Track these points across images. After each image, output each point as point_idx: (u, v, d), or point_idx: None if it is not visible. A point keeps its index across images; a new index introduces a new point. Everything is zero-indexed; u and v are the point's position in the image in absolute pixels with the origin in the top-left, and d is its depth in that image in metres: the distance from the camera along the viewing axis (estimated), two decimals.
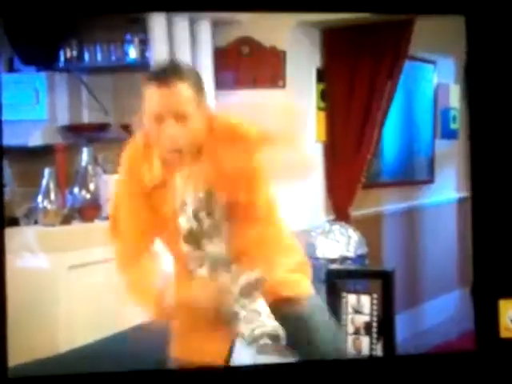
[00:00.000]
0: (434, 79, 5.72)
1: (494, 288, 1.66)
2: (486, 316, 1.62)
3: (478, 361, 1.64)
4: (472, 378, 1.65)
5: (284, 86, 4.23)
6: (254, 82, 4.16)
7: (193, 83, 2.12)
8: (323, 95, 4.44)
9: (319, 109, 4.43)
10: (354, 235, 3.72)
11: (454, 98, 6.00)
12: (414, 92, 5.53)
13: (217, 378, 1.79)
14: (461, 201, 6.23)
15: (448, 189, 6.06)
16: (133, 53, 3.96)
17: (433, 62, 5.66)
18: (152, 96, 2.08)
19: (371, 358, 1.89)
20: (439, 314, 5.53)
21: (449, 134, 5.97)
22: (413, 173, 5.61)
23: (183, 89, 2.08)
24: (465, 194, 6.32)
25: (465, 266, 6.28)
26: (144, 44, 3.91)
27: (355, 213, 4.66)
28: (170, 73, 2.10)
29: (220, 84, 4.04)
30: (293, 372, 1.80)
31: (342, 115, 4.48)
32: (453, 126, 6.01)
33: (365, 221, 4.85)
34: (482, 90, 1.68)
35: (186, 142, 2.11)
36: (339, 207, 4.55)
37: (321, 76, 4.41)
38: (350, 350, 3.02)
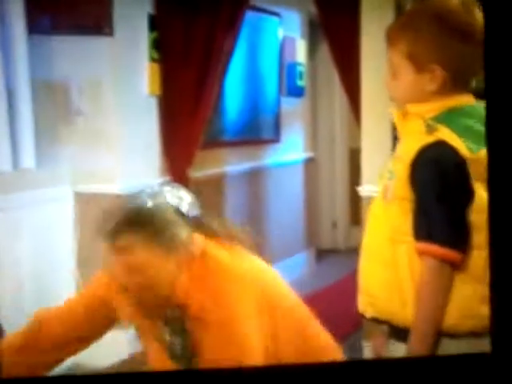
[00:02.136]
0: (280, 33, 5.37)
1: (511, 287, 1.53)
2: (502, 318, 1.52)
3: (493, 363, 1.54)
4: (487, 380, 1.56)
5: (111, 33, 3.72)
6: (76, 27, 3.62)
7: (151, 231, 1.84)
8: (157, 45, 3.96)
9: (152, 60, 3.96)
10: (186, 197, 3.31)
11: (301, 53, 5.69)
12: (258, 46, 5.16)
13: None
14: (307, 161, 6.01)
15: (294, 149, 5.79)
16: None
17: (277, 15, 5.30)
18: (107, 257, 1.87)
19: (380, 359, 1.68)
20: (286, 276, 5.29)
21: (295, 91, 5.68)
22: (257, 132, 5.27)
23: (136, 242, 1.82)
24: (311, 154, 6.11)
25: (310, 227, 6.10)
26: None
27: (195, 174, 4.27)
28: (120, 228, 1.84)
29: (34, 28, 3.46)
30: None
31: (177, 67, 4.04)
32: (299, 82, 5.71)
33: (205, 182, 4.49)
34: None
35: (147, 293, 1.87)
36: (176, 168, 4.13)
37: (153, 23, 3.92)
38: None
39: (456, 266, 1.64)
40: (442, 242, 1.62)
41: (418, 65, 1.68)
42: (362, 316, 1.79)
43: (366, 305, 1.77)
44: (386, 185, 1.72)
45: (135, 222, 1.83)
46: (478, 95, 1.75)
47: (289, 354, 1.90)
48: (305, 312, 2.02)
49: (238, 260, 1.94)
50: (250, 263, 1.97)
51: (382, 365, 1.67)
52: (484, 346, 1.74)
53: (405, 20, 1.77)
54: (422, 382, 1.60)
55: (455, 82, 1.69)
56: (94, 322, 2.02)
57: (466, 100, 1.72)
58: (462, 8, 1.67)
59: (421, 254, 1.64)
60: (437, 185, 1.63)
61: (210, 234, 1.95)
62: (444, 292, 1.64)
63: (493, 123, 1.55)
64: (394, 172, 1.70)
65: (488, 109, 1.37)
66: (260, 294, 1.91)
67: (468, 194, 1.64)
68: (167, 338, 1.93)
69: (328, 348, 2.01)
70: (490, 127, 1.57)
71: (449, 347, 1.67)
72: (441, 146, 1.63)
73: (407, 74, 1.70)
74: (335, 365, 1.81)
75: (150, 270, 1.83)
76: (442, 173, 1.63)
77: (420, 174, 1.64)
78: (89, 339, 2.06)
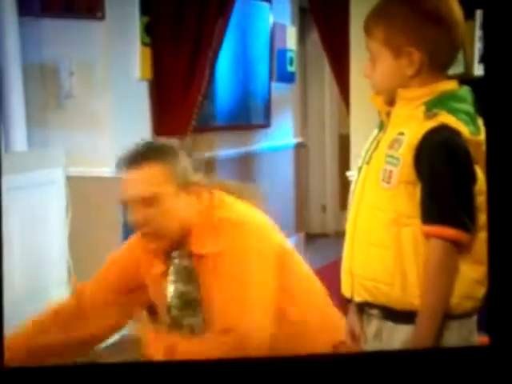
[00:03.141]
0: (270, 19, 5.35)
1: (509, 280, 1.60)
2: (500, 311, 1.59)
3: (492, 356, 1.60)
4: (486, 373, 1.61)
5: (103, 17, 3.70)
6: (67, 10, 3.59)
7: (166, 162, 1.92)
8: (148, 29, 3.93)
9: (144, 44, 3.94)
10: None
11: (291, 40, 5.67)
12: (249, 31, 5.13)
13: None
14: (297, 146, 6.00)
15: (285, 134, 5.78)
16: None
17: (268, 1, 5.28)
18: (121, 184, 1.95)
19: (381, 352, 1.68)
20: None
21: (285, 77, 5.66)
22: (248, 117, 5.25)
23: (152, 171, 1.90)
24: (301, 139, 6.10)
25: (300, 211, 6.10)
26: None
27: None
28: (137, 156, 1.94)
29: (25, 10, 3.42)
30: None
31: (169, 52, 4.02)
32: (290, 68, 5.69)
33: None
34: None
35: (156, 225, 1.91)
36: None
37: (145, 8, 3.90)
38: None
39: (461, 247, 1.66)
40: (455, 225, 1.63)
41: (395, 50, 1.70)
42: (348, 300, 1.79)
43: (358, 289, 1.76)
44: (386, 170, 1.70)
45: (149, 154, 1.91)
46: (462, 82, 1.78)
47: (295, 312, 1.91)
48: (312, 275, 2.03)
49: (252, 211, 1.96)
50: (263, 216, 1.99)
51: (382, 356, 1.68)
52: (472, 324, 1.76)
53: (379, 8, 1.77)
54: (421, 373, 1.61)
55: (433, 65, 1.70)
56: (126, 284, 2.05)
57: (452, 85, 1.73)
58: None
59: (431, 236, 1.64)
60: (446, 168, 1.63)
61: (221, 186, 1.98)
62: (454, 273, 1.66)
63: (491, 109, 1.57)
64: (398, 157, 1.68)
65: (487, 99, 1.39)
66: (273, 246, 1.92)
67: (474, 176, 1.65)
68: (178, 288, 1.94)
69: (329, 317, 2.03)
70: (488, 112, 1.59)
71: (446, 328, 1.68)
72: (445, 130, 1.64)
73: (386, 61, 1.72)
74: (334, 356, 1.82)
75: (163, 205, 1.86)
76: (450, 156, 1.64)
77: (428, 157, 1.64)
78: (126, 306, 2.07)
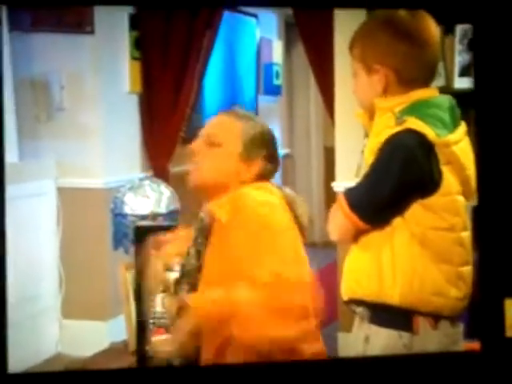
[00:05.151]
0: (257, 33, 5.37)
1: (500, 287, 1.65)
2: (491, 315, 1.64)
3: (483, 361, 1.63)
4: (477, 378, 1.64)
5: (93, 31, 3.70)
6: (57, 25, 3.59)
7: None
8: (137, 43, 3.94)
9: (133, 58, 3.94)
10: (165, 191, 3.30)
11: (277, 54, 5.70)
12: (236, 46, 5.15)
13: None
14: (284, 157, 6.02)
15: None
16: None
17: (255, 16, 5.30)
18: None
19: (366, 358, 1.71)
20: None
21: (272, 90, 5.68)
22: None
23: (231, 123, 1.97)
24: (287, 150, 6.11)
25: None
26: None
27: (175, 169, 4.26)
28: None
29: (15, 24, 3.42)
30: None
31: (157, 66, 4.02)
32: (276, 81, 5.72)
33: (185, 177, 4.46)
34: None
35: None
36: (157, 163, 4.12)
37: (134, 23, 3.90)
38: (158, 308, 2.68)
39: (362, 232, 1.75)
40: (355, 210, 1.73)
41: (367, 67, 1.78)
42: (347, 302, 1.83)
43: (345, 286, 1.83)
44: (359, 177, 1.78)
45: (239, 112, 1.97)
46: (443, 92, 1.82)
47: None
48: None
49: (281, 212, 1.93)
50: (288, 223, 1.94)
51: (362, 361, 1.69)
52: (458, 332, 1.78)
53: (359, 27, 1.85)
54: (412, 378, 1.63)
55: (401, 81, 1.76)
56: None
57: (430, 93, 1.79)
58: (409, 15, 1.76)
59: (338, 203, 1.76)
60: (386, 161, 1.69)
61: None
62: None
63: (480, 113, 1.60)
64: (364, 162, 1.76)
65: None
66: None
67: (421, 176, 1.69)
68: (194, 248, 1.93)
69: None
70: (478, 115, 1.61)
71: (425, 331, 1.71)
72: (407, 133, 1.68)
73: (362, 77, 1.80)
74: (325, 362, 1.83)
75: (221, 154, 1.90)
76: (394, 152, 1.69)
77: (381, 152, 1.71)
78: None
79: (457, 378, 1.65)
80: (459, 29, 3.17)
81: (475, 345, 1.72)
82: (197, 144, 1.96)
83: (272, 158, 1.97)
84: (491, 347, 1.62)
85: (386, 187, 1.69)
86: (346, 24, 3.62)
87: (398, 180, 1.68)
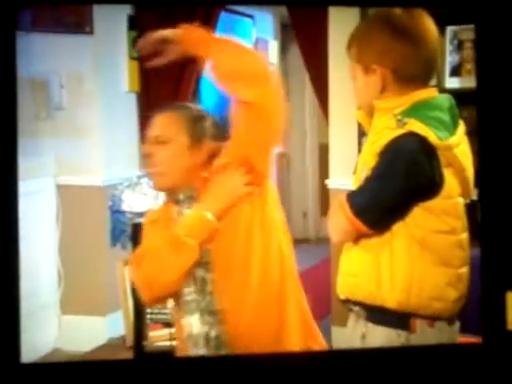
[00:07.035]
0: (253, 34, 5.37)
1: (501, 280, 1.62)
2: (493, 308, 1.61)
3: (484, 353, 1.61)
4: (479, 370, 1.62)
5: (92, 31, 3.70)
6: (57, 25, 3.58)
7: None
8: (136, 43, 3.93)
9: (132, 58, 3.93)
10: None
11: (273, 54, 5.70)
12: None
13: None
14: (279, 155, 6.02)
15: None
16: None
17: (251, 17, 5.30)
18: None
19: (368, 350, 1.70)
20: None
21: None
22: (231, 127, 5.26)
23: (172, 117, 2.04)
24: (283, 148, 6.11)
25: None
26: None
27: None
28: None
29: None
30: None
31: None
32: None
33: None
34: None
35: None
36: None
37: (133, 23, 3.90)
38: None
39: (363, 235, 1.71)
40: (354, 206, 1.70)
41: (364, 67, 1.75)
42: (344, 301, 1.81)
43: (342, 286, 1.80)
44: (362, 178, 1.73)
45: (178, 106, 2.05)
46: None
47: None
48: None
49: None
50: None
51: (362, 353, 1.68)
52: (455, 330, 1.77)
53: (356, 28, 1.83)
54: (414, 371, 1.62)
55: (399, 80, 1.73)
56: None
57: (429, 93, 1.76)
58: (406, 13, 1.73)
59: (340, 206, 1.72)
60: (389, 166, 1.66)
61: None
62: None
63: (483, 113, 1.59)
64: (365, 164, 1.72)
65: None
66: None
67: (431, 183, 1.66)
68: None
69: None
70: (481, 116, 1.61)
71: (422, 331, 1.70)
72: (409, 137, 1.65)
73: (359, 77, 1.78)
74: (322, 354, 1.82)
75: (169, 149, 1.93)
76: (397, 157, 1.66)
77: (384, 157, 1.67)
78: None
79: (458, 371, 1.63)
80: (449, 30, 3.18)
81: (471, 340, 1.71)
82: (148, 148, 2.00)
83: (218, 134, 2.04)
84: (493, 340, 1.61)
85: (390, 193, 1.66)
86: (340, 24, 3.63)
87: (402, 185, 1.65)
